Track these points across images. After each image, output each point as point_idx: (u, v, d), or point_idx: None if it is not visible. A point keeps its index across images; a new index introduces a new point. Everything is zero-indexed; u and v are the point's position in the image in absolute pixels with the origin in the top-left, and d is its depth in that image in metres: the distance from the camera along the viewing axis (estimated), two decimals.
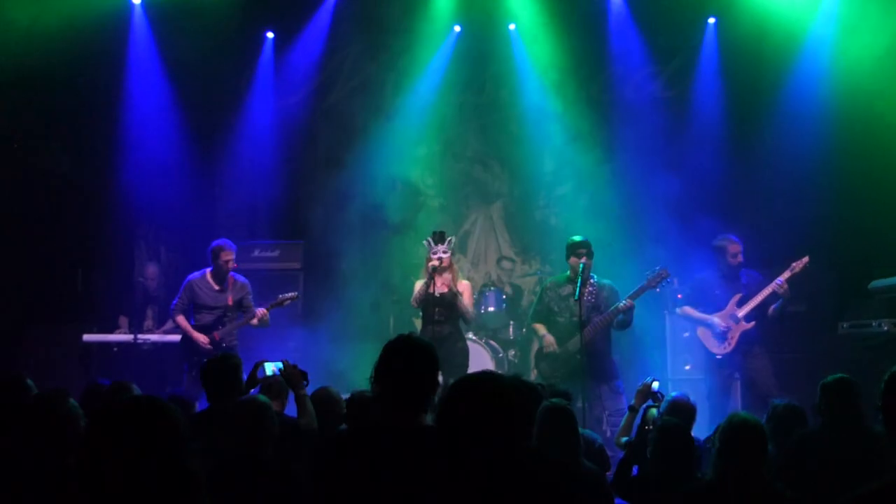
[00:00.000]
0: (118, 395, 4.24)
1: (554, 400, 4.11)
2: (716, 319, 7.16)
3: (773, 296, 7.02)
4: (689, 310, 7.37)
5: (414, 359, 2.92)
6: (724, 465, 3.49)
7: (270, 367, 4.80)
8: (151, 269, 9.29)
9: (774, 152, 8.99)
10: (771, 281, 7.02)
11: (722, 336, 7.16)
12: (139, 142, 9.32)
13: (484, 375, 2.55)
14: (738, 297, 7.18)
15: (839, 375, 4.39)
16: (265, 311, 7.55)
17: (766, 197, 9.07)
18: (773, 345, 7.36)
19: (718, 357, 7.17)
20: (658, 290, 6.83)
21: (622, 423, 4.98)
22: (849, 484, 2.35)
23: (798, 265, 6.98)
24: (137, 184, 9.22)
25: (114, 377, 5.17)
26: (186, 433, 2.40)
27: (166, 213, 9.61)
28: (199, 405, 5.16)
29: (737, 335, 7.13)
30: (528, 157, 10.43)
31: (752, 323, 7.12)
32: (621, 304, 6.73)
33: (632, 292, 6.77)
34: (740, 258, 7.17)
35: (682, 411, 4.75)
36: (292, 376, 4.61)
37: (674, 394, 5.15)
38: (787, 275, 6.98)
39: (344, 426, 4.46)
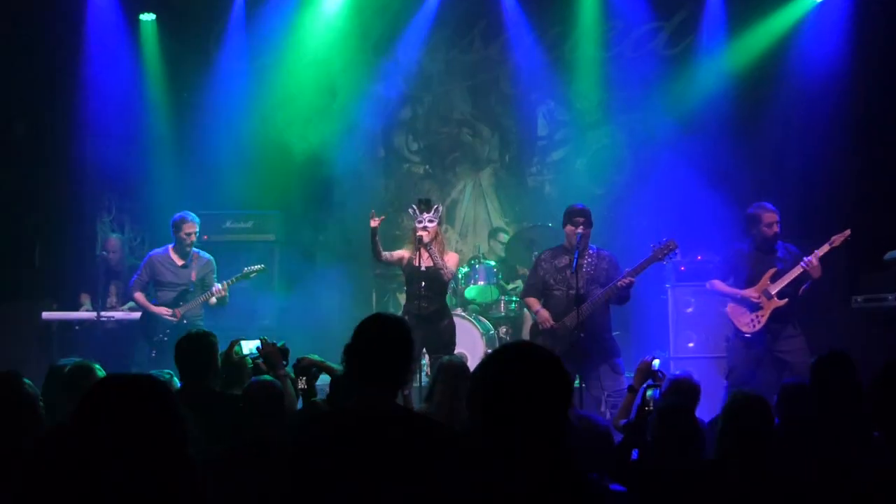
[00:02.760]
0: (80, 377, 4.25)
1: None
2: (747, 294, 7.09)
3: (805, 274, 6.94)
4: (718, 283, 7.31)
5: (383, 337, 2.98)
6: (727, 444, 3.53)
7: (247, 346, 4.80)
8: (114, 242, 9.24)
9: (786, 115, 8.97)
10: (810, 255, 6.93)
11: (753, 312, 7.08)
12: (102, 107, 9.30)
13: (529, 344, 2.52)
14: (772, 271, 7.07)
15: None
16: (224, 286, 7.63)
17: (777, 163, 9.06)
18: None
19: (747, 335, 7.08)
20: (665, 262, 6.81)
21: (621, 404, 4.99)
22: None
23: (838, 239, 6.89)
24: (100, 151, 9.19)
25: (76, 357, 5.06)
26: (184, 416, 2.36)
27: (131, 183, 9.60)
28: None
29: (768, 312, 7.02)
30: (520, 120, 10.40)
31: (785, 300, 7.01)
32: (620, 282, 6.71)
33: (636, 265, 6.74)
34: (776, 228, 7.04)
35: (685, 391, 4.76)
36: (271, 356, 4.61)
37: (676, 373, 5.12)
38: (824, 249, 6.88)
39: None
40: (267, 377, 4.16)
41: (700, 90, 9.42)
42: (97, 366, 4.49)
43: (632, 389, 4.86)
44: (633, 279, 6.69)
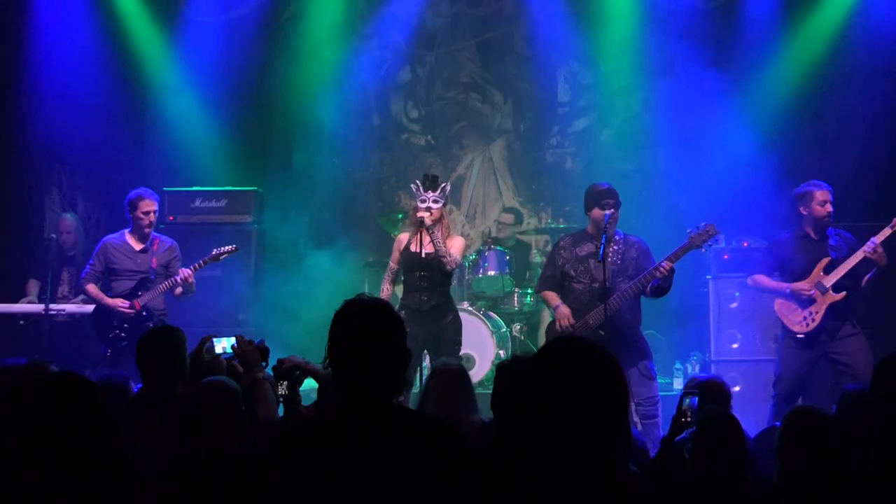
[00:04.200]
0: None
1: None
2: (798, 288, 7.04)
3: (866, 262, 6.85)
4: (761, 278, 7.29)
5: (367, 323, 2.93)
6: (788, 466, 3.52)
7: (220, 345, 4.72)
8: (66, 223, 9.16)
9: (845, 75, 9.01)
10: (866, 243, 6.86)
11: (805, 309, 7.02)
12: (52, 71, 9.30)
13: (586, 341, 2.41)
14: (825, 261, 7.01)
15: None
16: (190, 271, 7.63)
17: (836, 131, 9.08)
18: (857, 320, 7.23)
19: (799, 335, 7.04)
20: (703, 250, 6.76)
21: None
22: None
23: None
24: (49, 120, 9.21)
25: (21, 358, 5.12)
26: (118, 418, 2.43)
27: (85, 155, 9.60)
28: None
29: (822, 309, 6.96)
30: (537, 84, 10.38)
31: (843, 294, 6.94)
32: (660, 266, 6.63)
33: (671, 252, 6.68)
34: (829, 208, 7.00)
35: (713, 397, 4.75)
36: (248, 356, 4.50)
37: (702, 374, 5.11)
38: (885, 233, 6.84)
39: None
40: (218, 377, 4.11)
41: (750, 53, 9.38)
42: (52, 366, 4.52)
43: (665, 443, 4.83)
44: (673, 265, 6.63)
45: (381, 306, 3.00)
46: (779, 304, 7.14)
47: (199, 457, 3.77)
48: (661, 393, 6.93)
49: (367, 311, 2.94)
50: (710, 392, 4.75)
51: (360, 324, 2.91)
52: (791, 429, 3.58)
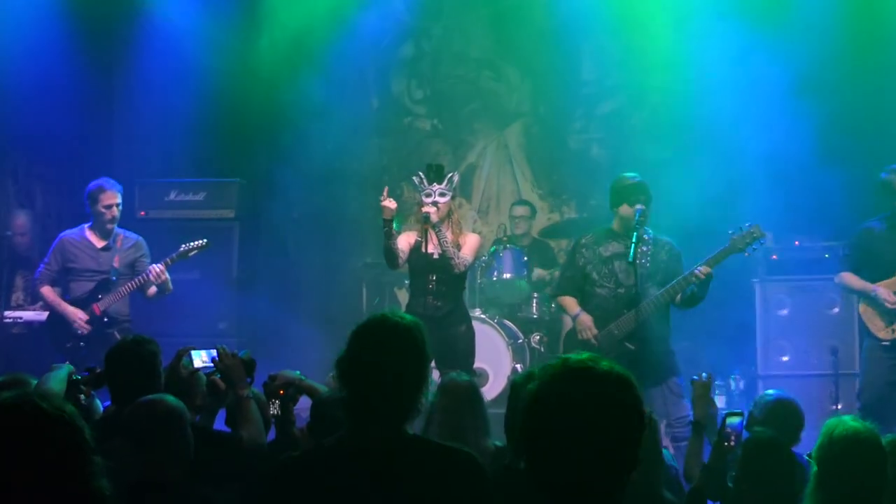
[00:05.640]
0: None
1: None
2: (880, 290, 7.07)
3: None
4: (848, 277, 7.33)
5: (392, 349, 2.96)
6: (824, 495, 3.57)
7: (200, 358, 4.75)
8: (21, 220, 9.28)
9: None
10: None
11: (891, 314, 7.06)
12: (5, 50, 9.27)
13: (595, 360, 2.32)
14: None
15: None
16: (162, 266, 7.61)
17: None
18: None
19: (885, 342, 7.08)
20: (747, 254, 6.78)
21: (687, 449, 5.02)
22: None
23: None
24: (2, 104, 9.21)
25: None
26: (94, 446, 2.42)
27: (44, 143, 9.58)
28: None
29: None
30: (558, 60, 10.31)
31: None
32: (696, 270, 6.62)
33: (709, 256, 6.69)
34: None
35: (784, 417, 4.79)
36: (231, 370, 4.53)
37: (771, 392, 5.11)
38: None
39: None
40: (160, 395, 4.08)
41: (812, 25, 9.07)
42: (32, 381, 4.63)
43: (697, 426, 4.87)
44: (710, 269, 6.62)
45: (411, 327, 3.02)
46: (864, 308, 7.21)
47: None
48: None
49: (396, 333, 2.99)
50: (779, 414, 4.79)
51: (387, 347, 2.95)
52: (821, 448, 3.64)
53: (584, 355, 2.26)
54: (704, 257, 6.69)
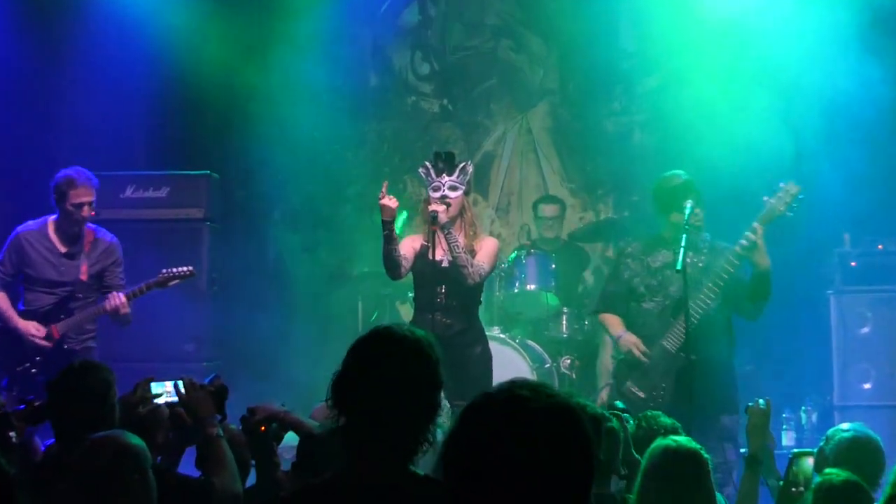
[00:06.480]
0: None
1: (674, 439, 4.21)
2: None
3: None
4: None
5: (399, 368, 2.96)
6: None
7: (164, 388, 4.79)
8: None
9: None
10: None
11: None
12: None
13: (534, 390, 2.20)
14: None
15: None
16: (124, 300, 7.37)
17: None
18: None
19: None
20: (789, 213, 6.64)
21: (742, 490, 4.98)
22: None
23: None
24: None
25: None
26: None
27: None
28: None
29: None
30: (590, 28, 10.28)
31: None
32: (743, 238, 6.56)
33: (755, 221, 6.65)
34: None
35: (862, 458, 4.78)
36: (197, 403, 4.49)
37: (846, 427, 5.11)
38: None
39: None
40: (115, 431, 4.00)
41: None
42: None
43: (751, 462, 4.87)
44: (762, 229, 6.57)
45: (422, 342, 3.02)
46: None
47: None
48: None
49: (403, 348, 2.97)
50: (855, 454, 4.78)
51: (392, 365, 2.95)
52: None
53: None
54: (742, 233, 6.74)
